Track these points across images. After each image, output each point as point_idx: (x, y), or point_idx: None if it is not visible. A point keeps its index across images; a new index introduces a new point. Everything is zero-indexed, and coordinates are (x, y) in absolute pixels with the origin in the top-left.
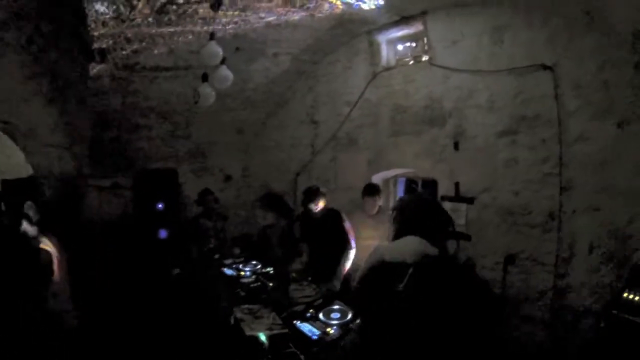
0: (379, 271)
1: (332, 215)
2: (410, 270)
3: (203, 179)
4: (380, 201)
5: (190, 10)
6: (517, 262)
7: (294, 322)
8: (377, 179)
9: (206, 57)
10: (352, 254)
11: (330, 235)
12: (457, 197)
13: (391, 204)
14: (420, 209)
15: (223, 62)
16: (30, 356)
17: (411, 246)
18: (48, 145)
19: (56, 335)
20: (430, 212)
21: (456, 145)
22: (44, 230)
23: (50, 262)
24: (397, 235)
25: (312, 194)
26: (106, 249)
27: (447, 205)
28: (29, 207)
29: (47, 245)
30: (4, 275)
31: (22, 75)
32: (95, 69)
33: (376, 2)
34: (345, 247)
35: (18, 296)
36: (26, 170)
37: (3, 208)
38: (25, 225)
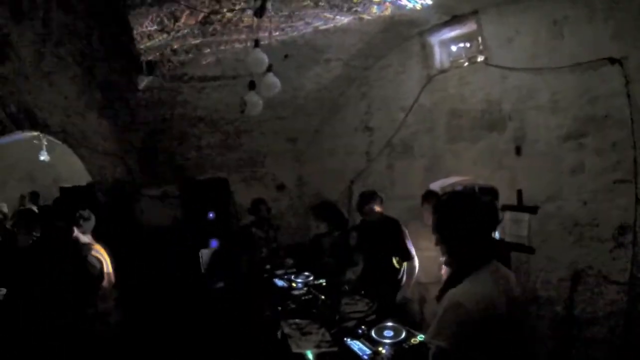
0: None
1: (390, 224)
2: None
3: (255, 188)
4: None
5: (234, 19)
6: (584, 279)
7: (344, 339)
8: (434, 187)
9: (251, 65)
10: (416, 264)
11: (388, 245)
12: (520, 207)
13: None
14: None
15: (270, 69)
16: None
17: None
18: (102, 154)
19: (97, 338)
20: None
21: (518, 150)
22: (96, 238)
23: (101, 270)
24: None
25: (368, 197)
26: (155, 258)
27: (507, 216)
28: (84, 216)
29: (98, 253)
30: (54, 279)
31: (77, 89)
32: (144, 81)
33: (424, 2)
34: (406, 258)
35: (66, 301)
36: (85, 178)
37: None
38: (77, 233)
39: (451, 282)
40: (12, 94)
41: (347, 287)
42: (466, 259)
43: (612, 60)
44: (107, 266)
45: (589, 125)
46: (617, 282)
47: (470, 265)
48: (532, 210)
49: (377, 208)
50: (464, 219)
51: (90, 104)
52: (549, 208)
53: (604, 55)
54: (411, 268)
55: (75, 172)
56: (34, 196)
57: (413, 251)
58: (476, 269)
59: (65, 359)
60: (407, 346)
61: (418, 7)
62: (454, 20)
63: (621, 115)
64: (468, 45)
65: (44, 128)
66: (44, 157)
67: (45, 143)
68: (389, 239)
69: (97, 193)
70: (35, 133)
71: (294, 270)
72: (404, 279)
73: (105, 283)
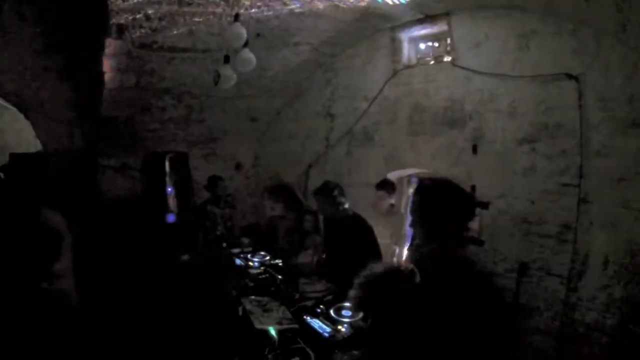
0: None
1: (363, 229)
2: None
3: (214, 165)
4: (393, 200)
5: None
6: (529, 272)
7: (304, 317)
8: (391, 177)
9: (230, 38)
10: None
11: (356, 247)
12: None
13: (403, 203)
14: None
15: (246, 44)
16: (28, 335)
17: None
18: (58, 121)
19: (56, 315)
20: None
21: (474, 149)
22: (51, 207)
23: (57, 240)
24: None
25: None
26: (113, 230)
27: None
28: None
29: (53, 222)
30: (8, 251)
31: (35, 49)
32: (111, 45)
33: None
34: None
35: (22, 274)
36: (35, 146)
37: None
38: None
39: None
40: None
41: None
42: (438, 246)
43: (570, 76)
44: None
45: (542, 132)
46: (558, 275)
47: (441, 252)
48: (484, 205)
49: (345, 204)
50: (446, 207)
51: (50, 67)
52: (500, 205)
53: (563, 70)
54: None
55: (24, 139)
56: None
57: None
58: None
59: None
60: (365, 326)
61: (399, 2)
62: (426, 19)
63: (572, 126)
64: (436, 44)
65: None
66: None
67: None
68: (357, 240)
69: (50, 161)
70: None
71: (250, 249)
72: None
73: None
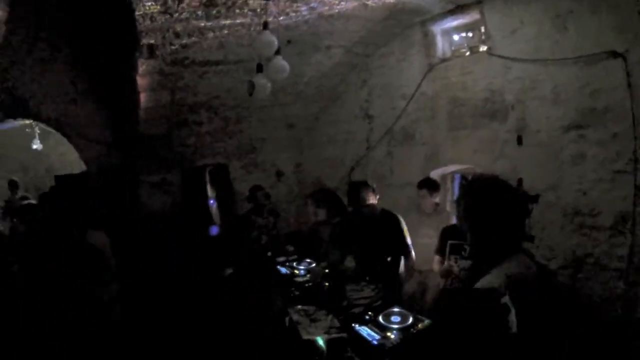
0: None
1: (388, 219)
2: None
3: (254, 175)
4: (437, 198)
5: (240, 1)
6: (583, 267)
7: (352, 325)
8: (434, 175)
9: (260, 47)
10: (414, 260)
11: (383, 241)
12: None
13: (448, 201)
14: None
15: (278, 52)
16: (76, 341)
17: None
18: (97, 142)
19: (102, 325)
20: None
21: (519, 140)
22: (94, 226)
23: (102, 261)
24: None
25: (358, 186)
26: (156, 245)
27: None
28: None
29: (96, 240)
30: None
31: (72, 76)
32: (143, 65)
33: None
34: (405, 254)
35: (70, 294)
36: (79, 167)
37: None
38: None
39: (477, 273)
40: (3, 82)
41: (350, 273)
42: (495, 249)
43: (615, 54)
44: (107, 255)
45: (590, 117)
46: (615, 269)
47: (498, 255)
48: (533, 199)
49: (371, 199)
50: (496, 207)
51: (86, 92)
52: (549, 197)
53: (606, 48)
54: (410, 265)
55: (67, 161)
56: (12, 185)
57: (411, 247)
58: (505, 260)
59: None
60: (414, 331)
61: None
62: (457, 9)
63: (622, 108)
64: (470, 34)
65: (37, 116)
66: (36, 145)
67: (38, 131)
68: (385, 235)
69: (93, 181)
70: (28, 121)
71: (295, 257)
72: (403, 275)
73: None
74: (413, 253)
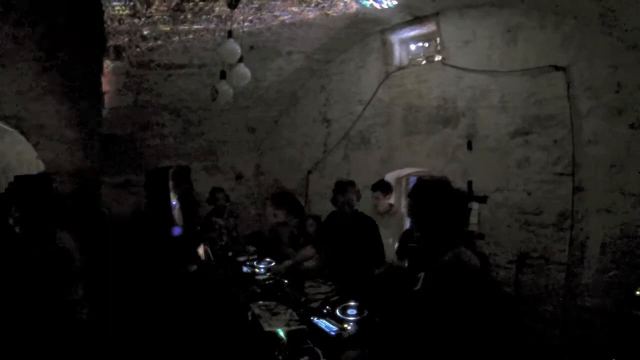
0: None
1: (366, 223)
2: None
3: (215, 177)
4: (391, 199)
5: (206, 8)
6: (529, 262)
7: (311, 318)
8: (389, 178)
9: (225, 55)
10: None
11: (360, 245)
12: (470, 196)
13: (403, 203)
14: (443, 205)
15: (241, 60)
16: (42, 346)
17: None
18: (59, 141)
19: (68, 327)
20: (454, 210)
21: (469, 145)
22: (60, 226)
23: (69, 258)
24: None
25: (344, 184)
26: (120, 245)
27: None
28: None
29: (63, 242)
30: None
31: (34, 72)
32: (109, 66)
33: (390, 2)
34: (378, 264)
35: (37, 295)
36: (37, 167)
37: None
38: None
39: (422, 264)
40: None
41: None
42: (438, 242)
43: (557, 68)
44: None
45: (534, 124)
46: (558, 262)
47: (441, 247)
48: (482, 199)
49: (354, 198)
50: (436, 206)
51: (49, 89)
52: (497, 198)
53: (550, 62)
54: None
55: (25, 161)
56: None
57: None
58: (447, 252)
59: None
60: (370, 323)
61: (388, 6)
62: (415, 20)
63: (563, 116)
64: (427, 44)
65: None
66: None
67: None
68: (362, 238)
69: (54, 182)
70: None
71: (256, 256)
72: None
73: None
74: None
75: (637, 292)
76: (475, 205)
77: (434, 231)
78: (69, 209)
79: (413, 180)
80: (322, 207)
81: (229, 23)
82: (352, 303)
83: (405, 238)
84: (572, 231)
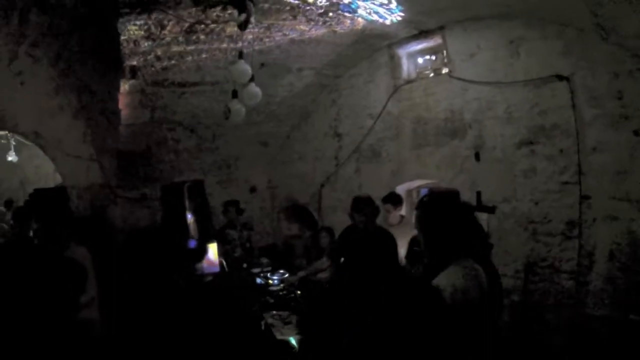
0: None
1: (385, 238)
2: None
3: (229, 190)
4: (402, 211)
5: (217, 29)
6: (538, 270)
7: None
8: (400, 190)
9: (236, 75)
10: None
11: (376, 260)
12: (479, 207)
13: (414, 214)
14: (446, 217)
15: (252, 79)
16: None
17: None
18: (75, 156)
19: (83, 344)
20: (457, 223)
21: (477, 156)
22: (75, 241)
23: (83, 274)
24: (433, 261)
25: (361, 203)
26: (136, 260)
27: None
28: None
29: (78, 255)
30: (38, 284)
31: (51, 89)
32: (126, 84)
33: (395, 18)
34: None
35: (51, 306)
36: (54, 181)
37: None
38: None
39: (429, 274)
40: None
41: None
42: (443, 254)
43: (561, 78)
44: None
45: (539, 134)
46: (566, 271)
47: (446, 260)
48: (491, 210)
49: (372, 219)
50: (442, 218)
51: (65, 106)
52: (505, 208)
53: (553, 72)
54: None
55: (42, 174)
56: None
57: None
58: (451, 263)
59: None
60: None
61: (393, 21)
62: (422, 34)
63: (567, 125)
64: (434, 58)
65: (14, 128)
66: (12, 157)
67: (14, 143)
68: (378, 253)
69: (71, 195)
70: (3, 133)
71: (269, 268)
72: None
73: (87, 287)
74: None
75: None
76: (484, 216)
77: (437, 244)
78: (81, 223)
79: (424, 191)
80: (335, 219)
81: (240, 43)
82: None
83: (413, 243)
84: (580, 239)
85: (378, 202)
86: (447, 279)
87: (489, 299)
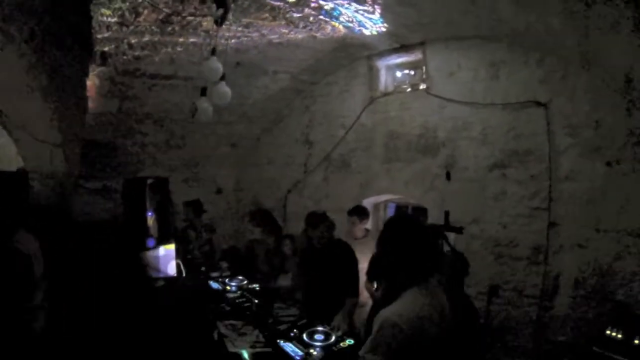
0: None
1: (341, 250)
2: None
3: (194, 190)
4: (367, 224)
5: (194, 22)
6: (502, 293)
7: (278, 341)
8: (367, 203)
9: (206, 72)
10: (357, 303)
11: (334, 272)
12: (447, 227)
13: (380, 228)
14: (416, 243)
15: (223, 78)
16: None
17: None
18: (40, 141)
19: (25, 333)
20: (428, 247)
21: (448, 175)
22: (25, 227)
23: (25, 261)
24: (391, 284)
25: (314, 219)
26: (91, 253)
27: None
28: None
29: (23, 243)
30: None
31: (21, 67)
32: (95, 71)
33: (378, 29)
34: (352, 294)
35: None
36: (16, 164)
37: None
38: None
39: (386, 299)
40: None
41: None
42: (399, 279)
43: (538, 104)
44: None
45: (512, 158)
46: (530, 295)
47: (402, 285)
48: (458, 230)
49: (324, 233)
50: (400, 243)
51: (35, 87)
52: (473, 229)
53: (531, 98)
54: (353, 302)
55: (5, 155)
56: None
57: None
58: (408, 288)
59: None
60: (336, 349)
61: (374, 33)
62: (402, 48)
63: (541, 151)
64: (412, 72)
65: None
66: None
67: None
68: (336, 265)
69: (30, 182)
70: None
71: (229, 273)
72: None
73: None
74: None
75: (607, 332)
76: (451, 236)
77: (395, 269)
78: (39, 211)
79: (392, 206)
80: (300, 226)
81: (215, 39)
82: (319, 328)
83: (375, 261)
84: (545, 266)
85: (344, 214)
86: (401, 307)
87: (449, 327)
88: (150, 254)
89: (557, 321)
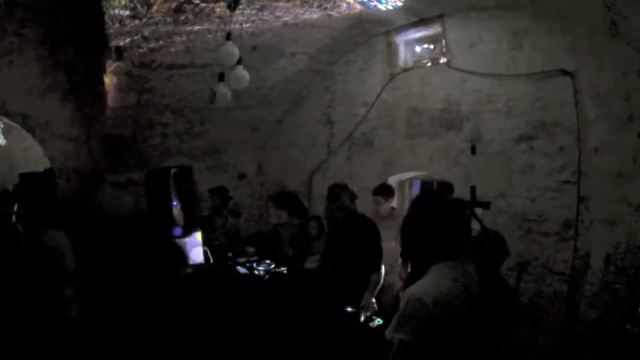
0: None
1: (366, 226)
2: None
3: (217, 176)
4: (393, 203)
5: (207, 9)
6: (530, 270)
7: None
8: (392, 180)
9: (223, 57)
10: (382, 273)
11: (358, 248)
12: (473, 202)
13: (406, 206)
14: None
15: (240, 62)
16: (34, 341)
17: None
18: (64, 139)
19: (57, 326)
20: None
21: (473, 149)
22: (55, 225)
23: (58, 258)
24: (418, 262)
25: (335, 190)
26: (119, 245)
27: None
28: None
29: (56, 240)
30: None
31: (39, 70)
32: (111, 66)
33: (394, 4)
34: (375, 267)
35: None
36: (43, 164)
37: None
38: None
39: (413, 277)
40: None
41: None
42: (425, 257)
43: (565, 73)
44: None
45: (539, 130)
46: (559, 272)
47: (428, 262)
48: (485, 205)
49: (348, 203)
50: (425, 220)
51: (54, 87)
52: (500, 204)
53: (557, 67)
54: (378, 277)
55: (32, 157)
56: None
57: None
58: (434, 265)
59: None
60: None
61: (390, 7)
62: (420, 22)
63: (569, 123)
64: (432, 46)
65: (1, 109)
66: (0, 140)
67: (1, 126)
68: (361, 241)
69: (58, 180)
70: None
71: (255, 258)
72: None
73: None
74: (383, 269)
75: None
76: (478, 211)
77: (421, 246)
78: (68, 207)
79: (417, 183)
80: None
81: (229, 24)
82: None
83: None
84: (575, 241)
85: (369, 193)
86: (427, 283)
87: (479, 307)
88: (177, 242)
89: (588, 298)
